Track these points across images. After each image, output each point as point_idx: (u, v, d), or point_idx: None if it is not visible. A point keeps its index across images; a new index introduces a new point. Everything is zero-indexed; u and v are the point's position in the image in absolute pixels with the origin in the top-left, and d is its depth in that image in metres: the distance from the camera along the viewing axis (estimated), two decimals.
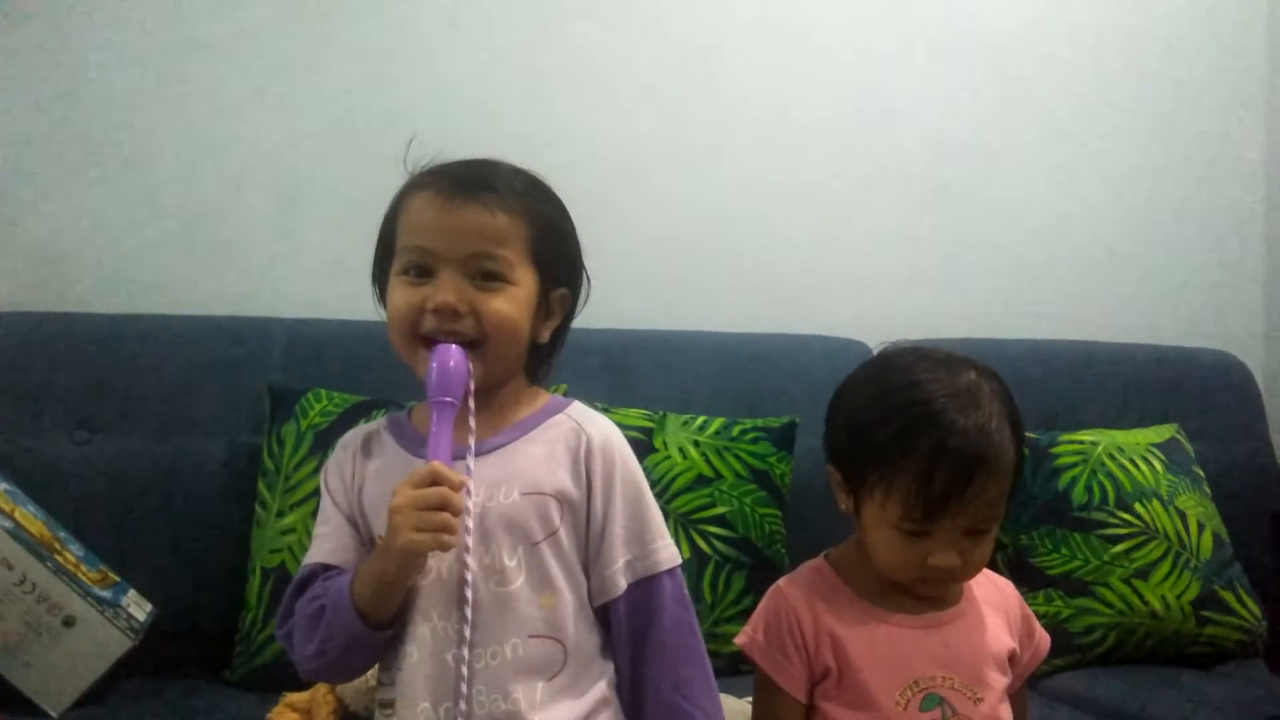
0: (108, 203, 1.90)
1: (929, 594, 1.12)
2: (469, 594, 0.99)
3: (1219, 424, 2.17)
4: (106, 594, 1.50)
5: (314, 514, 1.57)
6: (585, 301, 1.14)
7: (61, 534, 1.53)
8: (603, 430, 1.09)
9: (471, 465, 1.02)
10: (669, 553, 1.09)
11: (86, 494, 1.64)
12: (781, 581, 1.16)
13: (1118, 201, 2.43)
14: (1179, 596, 1.80)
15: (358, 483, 1.08)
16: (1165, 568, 1.80)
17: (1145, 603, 1.78)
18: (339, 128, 2.00)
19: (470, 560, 0.99)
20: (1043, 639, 1.20)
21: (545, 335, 1.10)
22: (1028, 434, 1.24)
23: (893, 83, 2.28)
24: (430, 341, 1.03)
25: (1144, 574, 1.79)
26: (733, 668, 1.41)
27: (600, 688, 1.05)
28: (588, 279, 1.14)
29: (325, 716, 1.37)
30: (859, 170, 2.26)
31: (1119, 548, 1.81)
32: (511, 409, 1.09)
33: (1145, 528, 1.82)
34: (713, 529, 1.69)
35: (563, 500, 1.05)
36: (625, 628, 1.06)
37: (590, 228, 1.14)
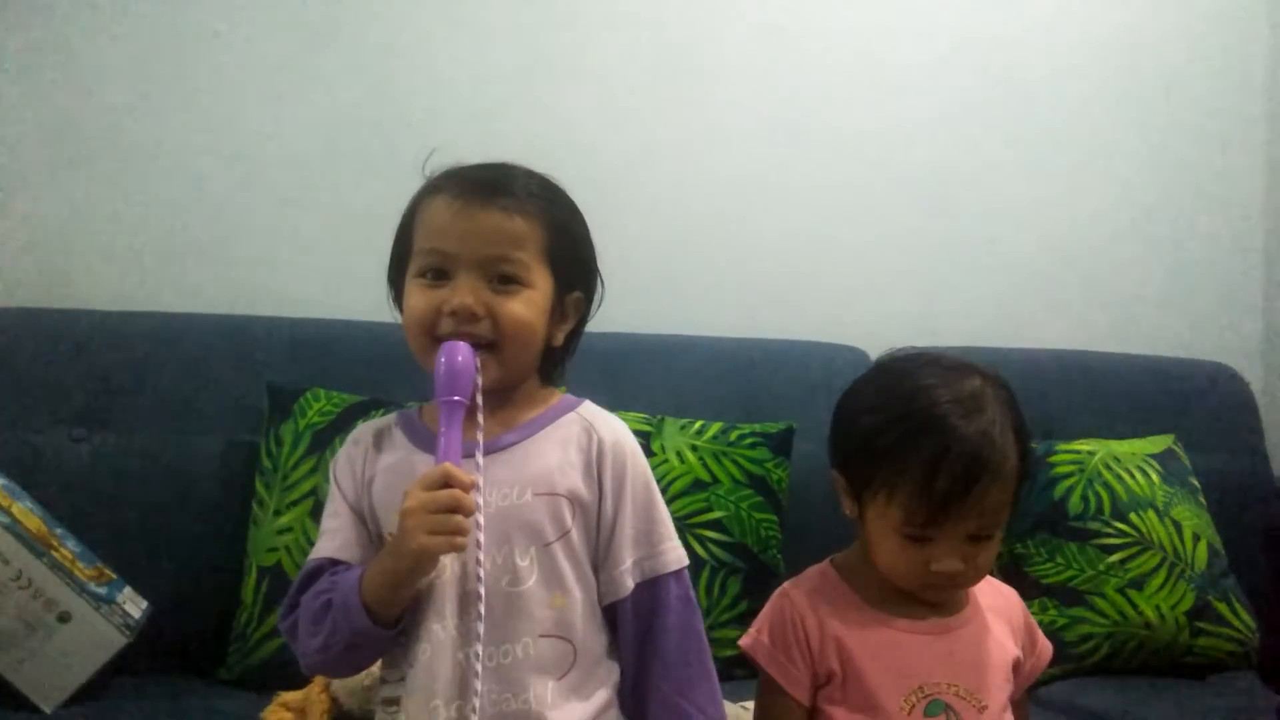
0: (107, 200, 1.89)
1: (933, 599, 1.12)
2: (481, 591, 0.99)
3: (1216, 435, 2.17)
4: (102, 590, 1.49)
5: (312, 513, 1.59)
6: (600, 304, 1.15)
7: (58, 530, 1.52)
8: (614, 430, 1.10)
9: (480, 462, 1.02)
10: (676, 554, 1.09)
11: (83, 490, 1.64)
12: (787, 584, 1.17)
13: (1117, 212, 2.43)
14: (1173, 607, 1.80)
15: (368, 477, 1.08)
16: (1160, 578, 1.81)
17: (1140, 613, 1.79)
18: (340, 127, 2.00)
19: (482, 558, 1.00)
20: (1045, 647, 1.20)
21: (559, 338, 1.11)
22: None
23: (894, 89, 2.29)
24: None
25: (1139, 584, 1.80)
26: (727, 672, 1.39)
27: (604, 692, 1.06)
28: (602, 282, 1.14)
29: (319, 715, 1.37)
30: (858, 176, 2.27)
31: (1114, 557, 1.81)
32: (524, 408, 1.10)
33: (1140, 538, 1.83)
34: (709, 533, 1.69)
35: (575, 501, 1.05)
36: (631, 628, 1.07)
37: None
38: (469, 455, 1.01)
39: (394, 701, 1.04)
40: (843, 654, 1.09)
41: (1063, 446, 1.93)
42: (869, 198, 2.27)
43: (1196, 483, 1.98)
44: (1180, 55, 2.47)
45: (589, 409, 1.12)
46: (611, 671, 1.07)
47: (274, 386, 1.71)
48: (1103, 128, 2.42)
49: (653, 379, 1.90)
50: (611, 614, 1.08)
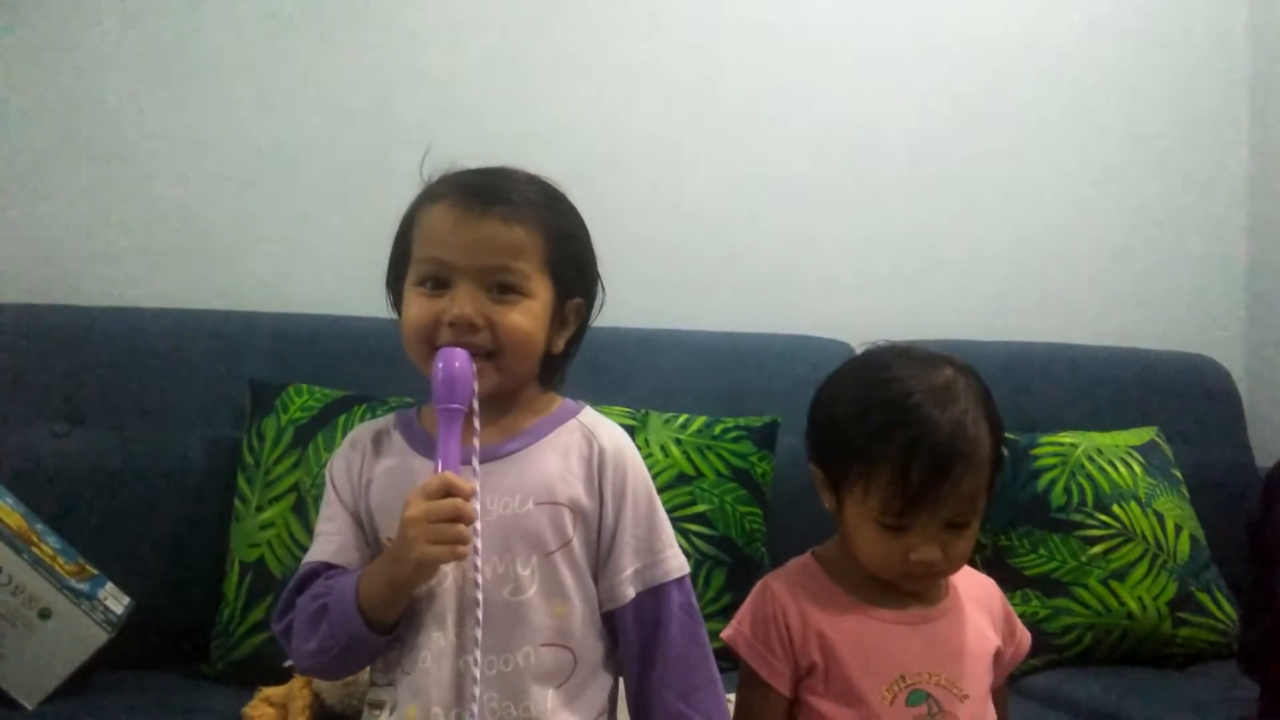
0: (93, 197, 1.88)
1: (913, 589, 1.13)
2: (479, 598, 0.99)
3: (1198, 427, 2.19)
4: (83, 587, 1.49)
5: (294, 509, 1.59)
6: (600, 309, 1.14)
7: (39, 526, 1.52)
8: (614, 438, 1.10)
9: (477, 467, 1.01)
10: (677, 562, 1.09)
11: (65, 486, 1.63)
12: (769, 577, 1.17)
13: (1099, 205, 2.44)
14: (1155, 598, 1.81)
15: (365, 480, 1.08)
16: (1142, 569, 1.82)
17: (1122, 603, 1.80)
18: (328, 125, 1.98)
19: (481, 565, 0.99)
20: (1024, 637, 1.21)
21: (560, 345, 1.10)
22: (1007, 435, 1.26)
23: (877, 84, 2.29)
24: None
25: (1121, 575, 1.81)
26: None
27: (601, 699, 1.06)
28: (602, 287, 1.14)
29: (301, 709, 1.37)
30: (843, 171, 2.27)
31: (1097, 549, 1.82)
32: (524, 414, 1.09)
33: (1123, 529, 1.83)
34: (693, 527, 1.69)
35: (576, 510, 1.05)
36: (633, 636, 1.06)
37: None
38: (466, 462, 1.01)
39: (380, 705, 1.04)
40: (824, 645, 1.10)
41: (1046, 439, 1.94)
42: (853, 193, 2.28)
43: (1179, 474, 1.99)
44: (1163, 49, 2.48)
45: (589, 416, 1.12)
46: (608, 678, 1.07)
47: (256, 382, 1.71)
48: (1084, 123, 2.43)
49: (637, 373, 1.90)
50: (610, 621, 1.07)
